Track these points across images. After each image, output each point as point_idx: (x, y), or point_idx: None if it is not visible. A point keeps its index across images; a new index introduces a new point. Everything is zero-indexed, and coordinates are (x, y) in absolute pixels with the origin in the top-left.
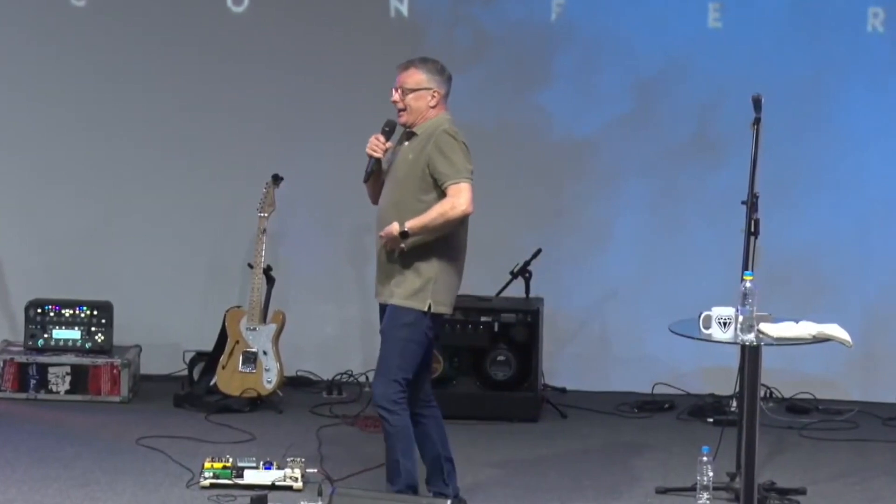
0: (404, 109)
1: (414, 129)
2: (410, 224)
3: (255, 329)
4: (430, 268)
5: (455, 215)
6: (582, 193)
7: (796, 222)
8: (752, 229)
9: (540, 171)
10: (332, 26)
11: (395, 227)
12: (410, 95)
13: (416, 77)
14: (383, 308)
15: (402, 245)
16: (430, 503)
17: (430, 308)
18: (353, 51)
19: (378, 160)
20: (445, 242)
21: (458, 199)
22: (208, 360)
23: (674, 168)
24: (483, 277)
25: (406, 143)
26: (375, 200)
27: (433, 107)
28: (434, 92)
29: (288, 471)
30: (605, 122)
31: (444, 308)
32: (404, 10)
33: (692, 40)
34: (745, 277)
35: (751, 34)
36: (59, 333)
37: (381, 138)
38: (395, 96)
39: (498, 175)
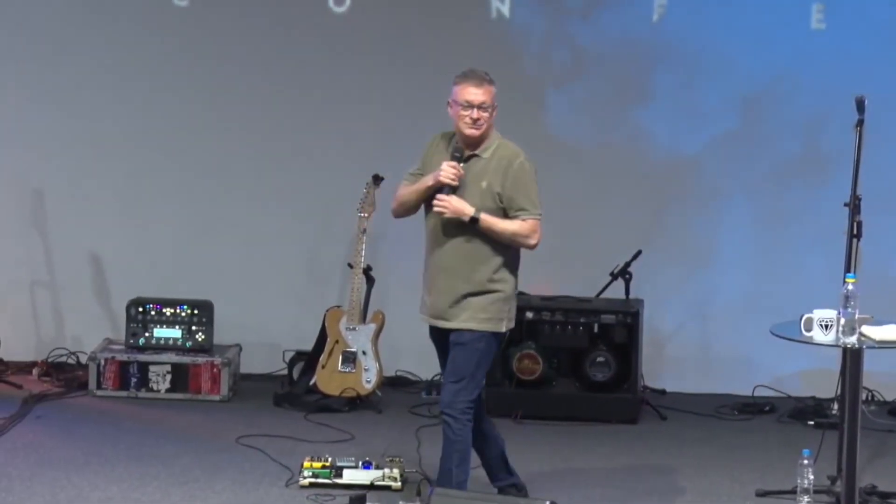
0: (480, 125)
1: (476, 152)
2: (484, 217)
3: (354, 329)
4: (507, 287)
5: (526, 245)
6: (685, 211)
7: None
8: (855, 232)
9: (642, 189)
10: (432, 25)
11: (467, 209)
12: (489, 112)
13: (492, 92)
14: (439, 328)
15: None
16: (528, 503)
17: (505, 328)
18: (454, 50)
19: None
20: (515, 259)
21: (535, 234)
22: (308, 360)
23: (780, 181)
24: (583, 279)
25: (469, 166)
26: (404, 213)
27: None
28: (496, 104)
29: (387, 470)
30: (708, 139)
31: (513, 322)
32: (506, 10)
33: (796, 47)
34: (847, 280)
35: (856, 35)
36: (160, 332)
37: (457, 165)
38: (478, 114)
39: (599, 192)
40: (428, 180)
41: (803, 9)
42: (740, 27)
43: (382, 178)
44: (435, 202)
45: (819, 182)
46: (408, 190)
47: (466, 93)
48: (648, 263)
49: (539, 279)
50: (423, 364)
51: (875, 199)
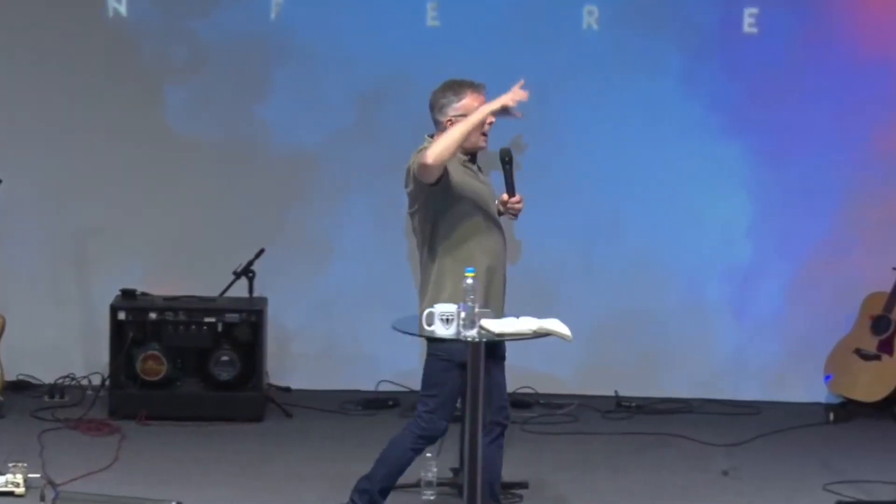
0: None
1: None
2: None
3: None
4: None
5: None
6: (306, 207)
7: (522, 220)
8: None
9: (263, 185)
10: (49, 25)
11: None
12: None
13: None
14: None
15: None
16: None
17: None
18: (71, 49)
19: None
20: None
21: None
22: None
23: (398, 175)
24: (206, 278)
25: (481, 173)
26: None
27: None
28: None
29: (10, 476)
30: (328, 134)
31: None
32: (122, 9)
33: (412, 44)
34: (467, 274)
35: (470, 33)
36: None
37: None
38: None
39: (221, 188)
40: (492, 106)
41: (419, 6)
42: (358, 24)
43: (0, 180)
44: (516, 206)
45: None
46: (456, 129)
47: (482, 100)
48: (272, 261)
49: (162, 279)
50: (46, 367)
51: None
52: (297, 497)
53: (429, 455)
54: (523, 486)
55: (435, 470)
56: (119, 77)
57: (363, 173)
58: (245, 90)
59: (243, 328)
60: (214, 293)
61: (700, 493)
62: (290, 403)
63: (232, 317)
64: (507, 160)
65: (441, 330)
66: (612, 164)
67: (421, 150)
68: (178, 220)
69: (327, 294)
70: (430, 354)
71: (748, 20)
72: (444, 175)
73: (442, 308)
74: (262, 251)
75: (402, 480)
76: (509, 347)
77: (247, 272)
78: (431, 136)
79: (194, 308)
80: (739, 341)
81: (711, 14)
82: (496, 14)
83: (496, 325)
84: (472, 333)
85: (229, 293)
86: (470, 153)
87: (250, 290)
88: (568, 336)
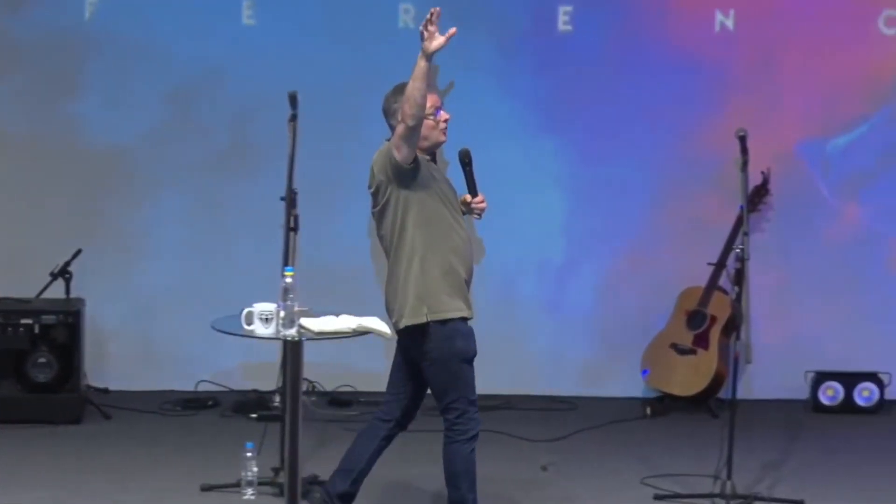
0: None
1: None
2: None
3: None
4: None
5: None
6: (122, 205)
7: (338, 219)
8: (292, 225)
9: (78, 184)
10: None
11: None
12: None
13: None
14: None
15: None
16: None
17: None
18: None
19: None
20: None
21: None
22: None
23: (213, 173)
24: (22, 279)
25: (440, 167)
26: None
27: None
28: None
29: None
30: (142, 131)
31: None
32: None
33: (228, 41)
34: (285, 273)
35: (285, 32)
36: None
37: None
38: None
39: (35, 188)
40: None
41: (234, 5)
42: (173, 22)
43: None
44: (479, 205)
45: (252, 174)
46: (411, 87)
47: (435, 99)
48: (89, 260)
49: None
50: None
51: (310, 191)
52: (115, 499)
53: (248, 454)
54: None
55: (255, 469)
56: None
57: (178, 171)
58: (57, 87)
59: (60, 329)
60: (31, 294)
61: (519, 488)
62: (108, 405)
63: (49, 318)
64: (466, 161)
65: (261, 329)
66: None
67: (382, 149)
68: None
69: (145, 294)
70: (427, 363)
71: (563, 17)
72: (416, 162)
73: (261, 307)
74: (79, 251)
75: (222, 480)
76: (328, 346)
77: (63, 273)
78: (388, 140)
79: (10, 310)
80: (555, 336)
81: (526, 11)
82: (312, 13)
83: (316, 324)
84: (291, 332)
85: (46, 294)
86: (430, 152)
87: (67, 290)
88: (387, 334)
